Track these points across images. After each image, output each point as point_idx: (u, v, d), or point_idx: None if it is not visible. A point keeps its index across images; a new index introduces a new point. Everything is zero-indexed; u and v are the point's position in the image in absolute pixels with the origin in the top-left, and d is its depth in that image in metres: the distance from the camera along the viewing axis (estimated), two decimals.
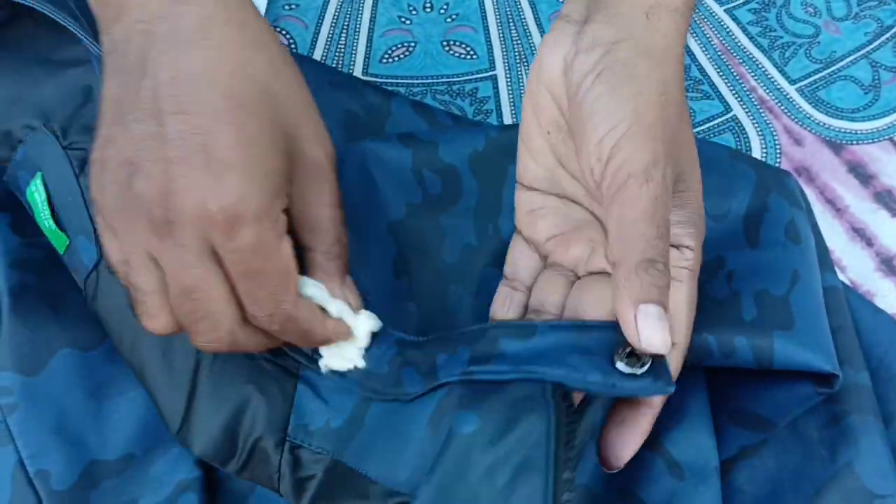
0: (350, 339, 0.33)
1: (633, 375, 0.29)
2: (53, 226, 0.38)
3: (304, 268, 0.32)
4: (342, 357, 0.33)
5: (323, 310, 0.32)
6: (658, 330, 0.29)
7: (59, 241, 0.38)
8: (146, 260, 0.29)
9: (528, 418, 0.30)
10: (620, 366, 0.29)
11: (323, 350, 0.33)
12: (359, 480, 0.32)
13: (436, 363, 0.32)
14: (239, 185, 0.28)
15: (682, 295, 0.32)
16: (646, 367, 0.29)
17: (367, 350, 0.34)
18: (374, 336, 0.34)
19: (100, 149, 0.29)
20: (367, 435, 0.33)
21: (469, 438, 0.30)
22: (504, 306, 0.36)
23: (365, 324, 0.33)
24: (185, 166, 0.28)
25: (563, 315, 0.34)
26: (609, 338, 0.30)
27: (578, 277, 0.35)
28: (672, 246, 0.31)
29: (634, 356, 0.29)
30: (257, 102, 0.29)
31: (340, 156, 0.36)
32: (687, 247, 0.31)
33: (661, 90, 0.31)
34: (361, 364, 0.33)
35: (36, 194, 0.38)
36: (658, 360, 0.30)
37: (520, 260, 0.37)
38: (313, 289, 0.32)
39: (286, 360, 0.34)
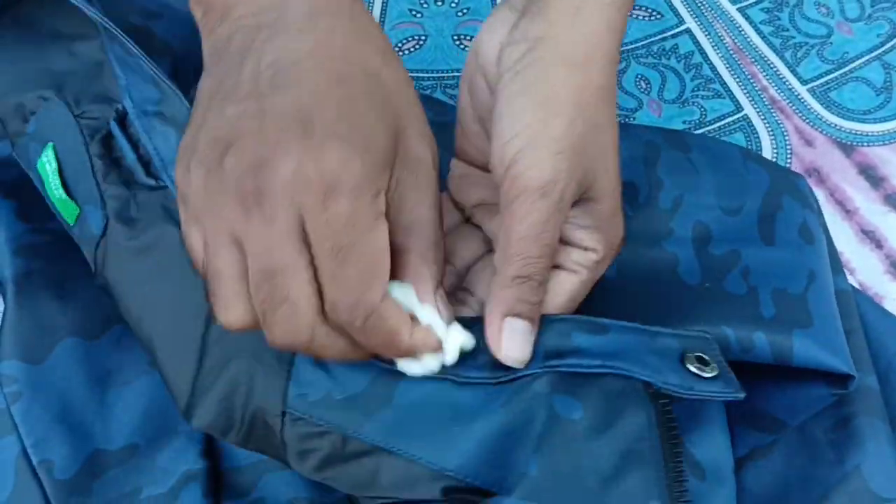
0: (437, 352, 0.30)
1: (707, 379, 0.30)
2: (64, 195, 0.37)
3: (395, 271, 0.29)
4: (422, 365, 0.30)
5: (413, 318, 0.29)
6: (518, 344, 0.30)
7: (68, 212, 0.37)
8: (229, 243, 0.27)
9: (630, 412, 0.30)
10: (692, 370, 0.30)
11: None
12: (389, 460, 0.30)
13: None
14: (340, 151, 0.26)
15: (571, 284, 0.32)
16: (716, 373, 0.30)
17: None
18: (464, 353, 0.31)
19: (189, 135, 0.28)
20: (400, 414, 0.31)
21: (575, 425, 0.29)
22: None
23: (456, 338, 0.30)
24: (285, 135, 0.26)
25: (466, 277, 0.35)
26: (676, 344, 0.31)
27: (491, 250, 0.35)
28: (577, 247, 0.32)
29: (702, 362, 0.30)
30: (365, 84, 0.28)
31: None
32: (592, 249, 0.32)
33: (574, 100, 0.30)
34: (436, 371, 0.30)
35: (47, 165, 0.38)
36: (725, 368, 0.30)
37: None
38: (402, 291, 0.29)
39: None
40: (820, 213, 0.42)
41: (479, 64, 0.33)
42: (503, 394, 0.30)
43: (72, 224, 0.38)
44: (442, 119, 0.42)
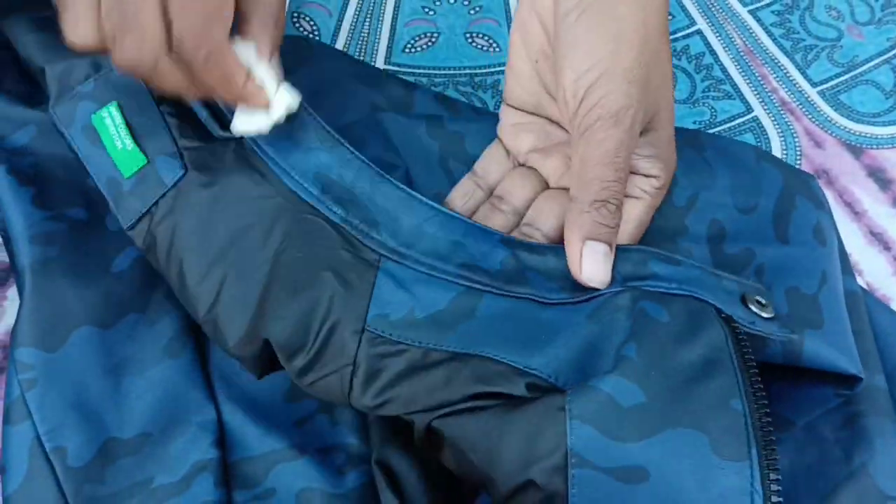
0: (266, 107, 0.33)
1: (766, 319, 0.32)
2: (132, 145, 0.37)
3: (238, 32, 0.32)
4: (253, 123, 0.33)
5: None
6: (601, 266, 0.31)
7: (130, 164, 0.37)
8: None
9: (708, 328, 0.31)
10: (753, 309, 0.32)
11: (237, 113, 0.34)
12: (469, 363, 0.31)
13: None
14: None
15: (637, 210, 0.34)
16: (773, 315, 0.32)
17: (465, 239, 0.33)
18: (291, 118, 0.33)
19: None
20: (484, 324, 0.32)
21: (663, 326, 0.30)
22: (464, 198, 0.38)
23: (284, 97, 0.33)
24: None
25: (524, 217, 0.36)
26: (737, 287, 0.33)
27: (548, 187, 0.37)
28: (641, 175, 0.34)
29: (760, 304, 0.32)
30: None
31: (365, 122, 0.38)
32: (655, 176, 0.34)
33: (640, 34, 0.31)
34: (266, 132, 0.33)
35: (107, 119, 0.38)
36: (781, 312, 0.33)
37: (494, 162, 0.38)
38: (242, 47, 0.32)
39: (366, 252, 0.34)
40: (830, 215, 0.43)
41: (534, 7, 0.35)
42: (587, 309, 0.31)
43: (127, 177, 0.38)
44: (454, 128, 0.42)
